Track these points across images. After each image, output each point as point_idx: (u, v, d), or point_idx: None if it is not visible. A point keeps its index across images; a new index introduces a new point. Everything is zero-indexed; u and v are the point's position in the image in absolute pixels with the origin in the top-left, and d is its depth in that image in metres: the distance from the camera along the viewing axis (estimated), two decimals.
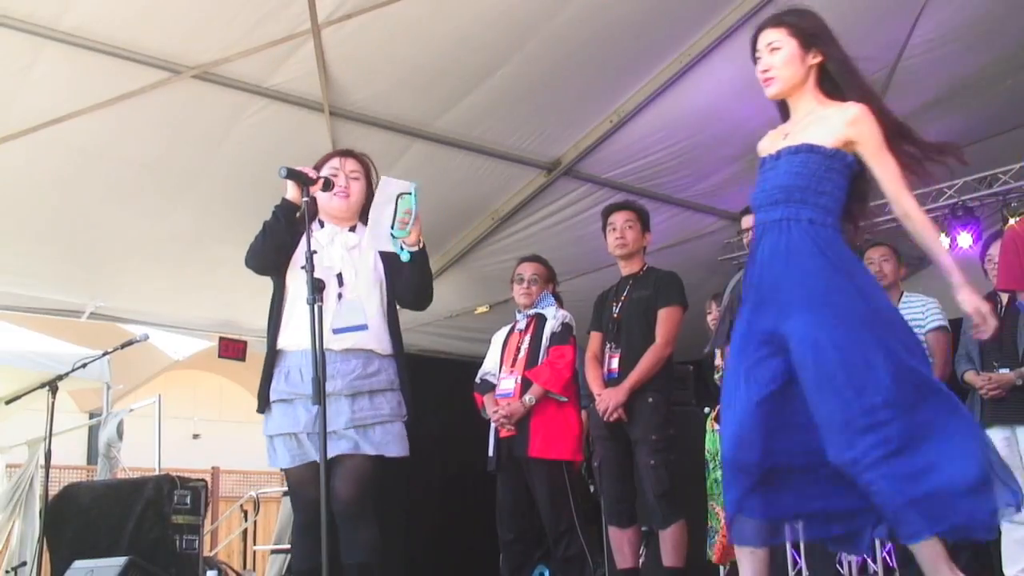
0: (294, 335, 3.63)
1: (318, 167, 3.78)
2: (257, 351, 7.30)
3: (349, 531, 3.60)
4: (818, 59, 3.16)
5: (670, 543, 4.92)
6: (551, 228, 6.86)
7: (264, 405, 3.70)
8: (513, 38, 5.18)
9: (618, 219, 5.23)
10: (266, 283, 3.83)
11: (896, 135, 3.11)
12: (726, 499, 3.09)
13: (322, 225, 3.80)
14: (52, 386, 6.20)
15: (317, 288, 3.30)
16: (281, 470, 3.77)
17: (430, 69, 5.34)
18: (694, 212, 7.22)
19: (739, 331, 3.14)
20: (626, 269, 5.27)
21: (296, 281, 3.67)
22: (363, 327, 3.59)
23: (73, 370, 6.43)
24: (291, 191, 3.63)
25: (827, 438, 2.91)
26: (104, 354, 6.87)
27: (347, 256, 3.73)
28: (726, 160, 6.66)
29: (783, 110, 3.28)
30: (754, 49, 3.23)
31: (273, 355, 3.71)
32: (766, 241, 3.08)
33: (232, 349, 7.38)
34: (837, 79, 3.15)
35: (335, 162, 3.83)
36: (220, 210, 5.92)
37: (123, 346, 6.37)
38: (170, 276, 6.64)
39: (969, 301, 2.97)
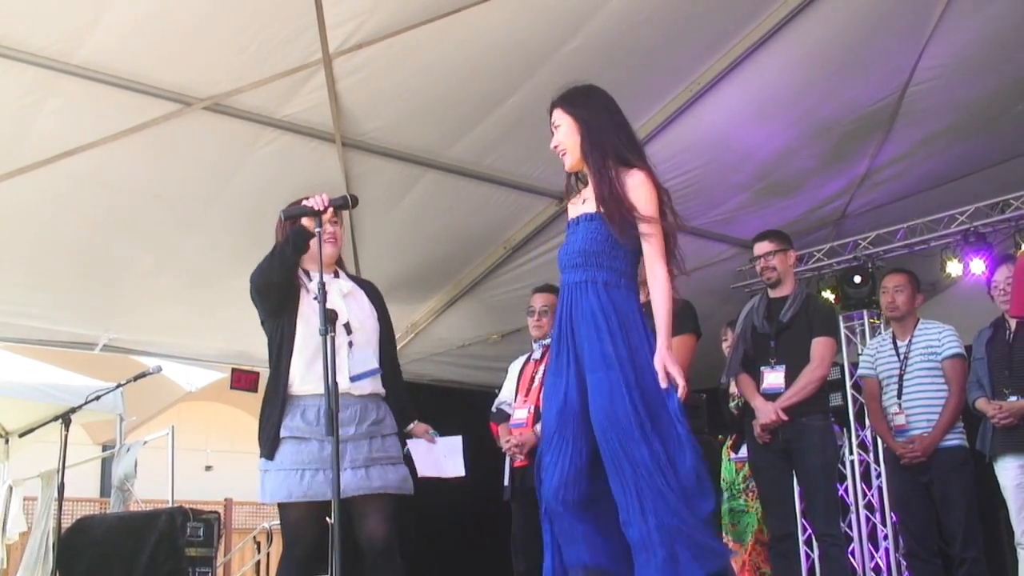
0: (312, 382, 3.61)
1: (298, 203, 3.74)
2: None
3: (381, 569, 3.63)
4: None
5: None
6: None
7: (272, 447, 3.62)
8: (523, 67, 5.19)
9: None
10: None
11: (666, 206, 3.38)
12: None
13: (308, 275, 3.80)
14: (65, 419, 6.18)
15: (330, 319, 3.30)
16: (279, 505, 3.62)
17: (441, 98, 5.35)
18: (706, 240, 7.20)
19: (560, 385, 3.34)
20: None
21: (306, 327, 3.69)
22: (378, 370, 3.74)
23: (87, 402, 6.43)
24: (306, 219, 3.66)
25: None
26: (117, 386, 6.89)
27: (344, 304, 3.77)
28: (737, 188, 6.65)
29: (575, 179, 3.50)
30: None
31: (283, 400, 3.67)
32: (570, 301, 3.33)
33: (244, 380, 7.38)
34: (593, 148, 3.38)
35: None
36: (232, 241, 5.93)
37: (136, 378, 6.35)
38: (182, 307, 6.65)
39: (657, 361, 3.25)
